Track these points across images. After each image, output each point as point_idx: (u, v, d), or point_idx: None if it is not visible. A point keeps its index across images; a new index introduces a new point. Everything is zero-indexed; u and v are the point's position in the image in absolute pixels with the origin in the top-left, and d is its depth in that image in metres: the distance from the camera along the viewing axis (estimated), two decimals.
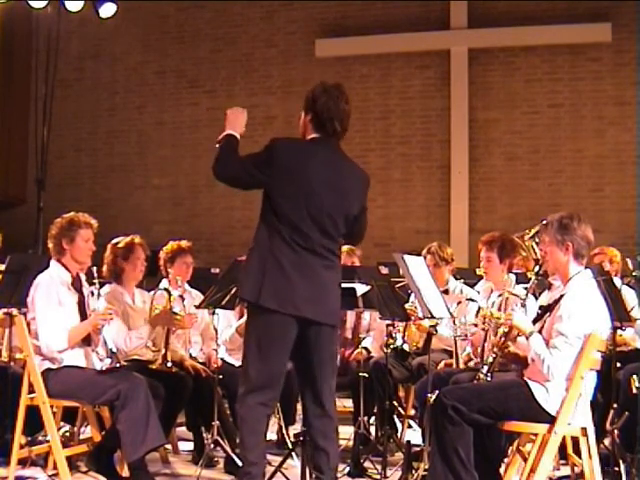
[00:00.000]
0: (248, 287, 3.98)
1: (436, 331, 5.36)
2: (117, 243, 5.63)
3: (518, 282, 5.38)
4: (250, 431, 4.01)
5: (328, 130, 4.06)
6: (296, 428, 5.78)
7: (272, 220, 3.98)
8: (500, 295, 5.17)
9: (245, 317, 4.25)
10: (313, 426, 4.06)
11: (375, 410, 6.02)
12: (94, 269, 5.09)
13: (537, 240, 4.49)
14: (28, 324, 4.87)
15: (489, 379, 4.45)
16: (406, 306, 5.70)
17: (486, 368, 4.47)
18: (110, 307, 5.03)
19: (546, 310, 4.32)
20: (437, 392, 4.32)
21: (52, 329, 4.83)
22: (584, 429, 4.18)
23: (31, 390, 4.79)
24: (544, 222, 4.33)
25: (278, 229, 3.95)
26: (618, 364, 5.07)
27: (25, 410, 4.80)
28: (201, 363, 5.91)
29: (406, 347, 5.96)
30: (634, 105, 10.55)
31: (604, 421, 5.17)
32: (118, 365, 5.28)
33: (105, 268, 5.59)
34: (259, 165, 3.99)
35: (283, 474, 4.97)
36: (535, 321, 4.34)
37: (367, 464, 5.48)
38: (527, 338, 4.19)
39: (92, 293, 5.12)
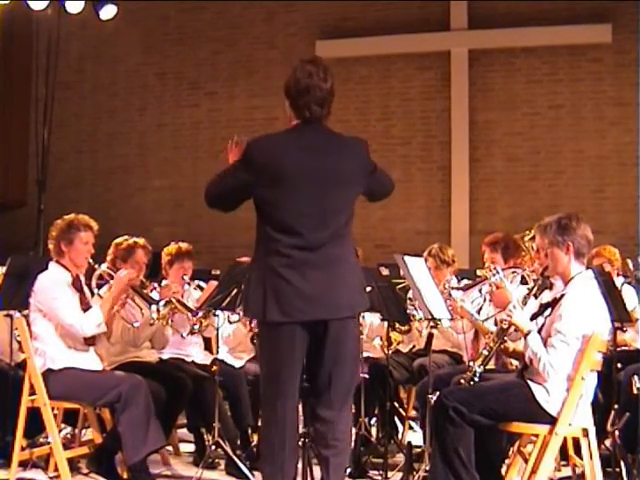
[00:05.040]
0: (252, 305, 3.78)
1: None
2: (119, 244, 5.62)
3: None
4: (274, 451, 3.78)
5: (306, 115, 3.77)
6: None
7: (264, 229, 3.78)
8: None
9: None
10: (317, 431, 3.84)
11: (376, 411, 6.02)
12: (97, 267, 5.10)
13: None
14: (29, 325, 4.88)
15: (480, 370, 4.43)
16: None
17: (479, 361, 4.45)
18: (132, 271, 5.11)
19: (546, 307, 4.33)
20: (438, 393, 4.32)
21: (78, 311, 4.89)
22: (585, 430, 4.19)
23: (32, 392, 4.79)
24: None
25: (271, 237, 3.74)
26: (619, 365, 5.07)
27: (26, 412, 4.81)
28: (201, 365, 5.91)
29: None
30: (635, 106, 10.52)
31: (605, 422, 5.17)
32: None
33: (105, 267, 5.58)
34: (238, 170, 3.80)
35: None
36: (534, 317, 4.34)
37: (368, 465, 5.49)
38: (525, 337, 4.19)
39: (92, 293, 5.14)
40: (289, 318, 3.69)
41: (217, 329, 5.62)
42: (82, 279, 5.13)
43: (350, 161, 3.80)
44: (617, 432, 4.93)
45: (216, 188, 3.89)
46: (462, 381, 4.44)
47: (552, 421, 4.10)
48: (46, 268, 4.99)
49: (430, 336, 5.58)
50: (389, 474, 5.31)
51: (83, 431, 5.57)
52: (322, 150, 3.77)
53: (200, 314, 5.51)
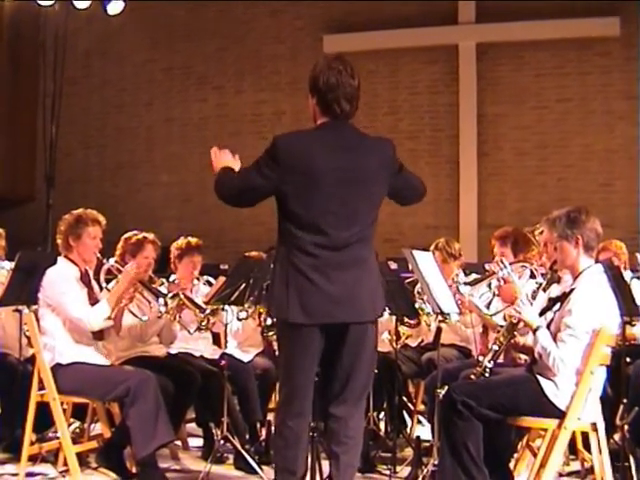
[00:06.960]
0: (275, 304, 3.73)
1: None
2: (129, 238, 5.62)
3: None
4: (287, 446, 3.74)
5: (335, 111, 3.72)
6: None
7: (288, 227, 3.69)
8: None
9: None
10: (329, 428, 3.81)
11: (385, 406, 6.02)
12: (105, 261, 5.11)
13: None
14: (38, 320, 4.89)
15: (490, 366, 4.42)
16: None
17: (489, 356, 4.45)
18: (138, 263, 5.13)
19: (554, 302, 4.32)
20: (446, 387, 4.32)
21: (86, 305, 4.91)
22: (594, 424, 4.18)
23: (41, 387, 4.80)
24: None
25: (295, 235, 3.66)
26: (628, 359, 5.06)
27: (35, 407, 4.82)
28: (210, 360, 5.92)
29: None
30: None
31: (614, 416, 5.16)
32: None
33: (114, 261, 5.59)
34: (263, 166, 3.69)
35: None
36: (542, 312, 4.33)
37: (377, 460, 5.49)
38: (534, 333, 4.18)
39: (101, 288, 5.15)
40: (312, 320, 3.64)
41: (226, 324, 5.62)
42: (90, 274, 5.14)
43: (377, 161, 3.80)
44: (626, 426, 4.91)
45: (237, 183, 3.83)
46: (472, 377, 4.43)
47: (561, 415, 4.09)
48: (54, 263, 5.01)
49: (439, 330, 5.57)
50: (398, 468, 5.32)
51: (92, 426, 5.57)
52: (351, 149, 3.74)
53: (208, 311, 5.50)
